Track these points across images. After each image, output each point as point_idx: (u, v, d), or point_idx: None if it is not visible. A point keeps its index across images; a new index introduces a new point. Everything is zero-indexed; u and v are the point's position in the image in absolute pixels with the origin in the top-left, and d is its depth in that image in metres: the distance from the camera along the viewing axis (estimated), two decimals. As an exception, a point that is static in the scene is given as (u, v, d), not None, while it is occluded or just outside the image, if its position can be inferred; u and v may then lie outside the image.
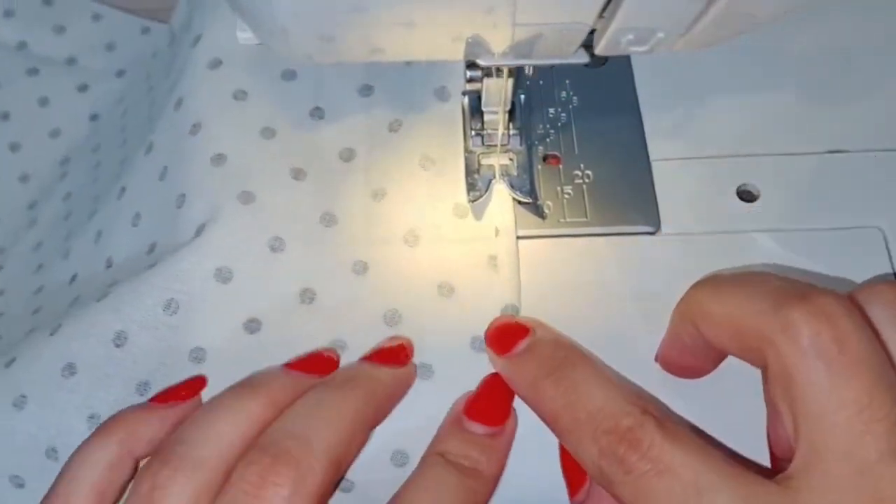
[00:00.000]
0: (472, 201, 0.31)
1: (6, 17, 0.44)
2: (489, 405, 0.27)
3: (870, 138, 0.33)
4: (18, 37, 0.44)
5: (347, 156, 0.32)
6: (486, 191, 0.31)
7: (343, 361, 0.28)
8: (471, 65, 0.30)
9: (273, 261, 0.30)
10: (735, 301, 0.23)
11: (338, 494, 0.27)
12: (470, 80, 0.30)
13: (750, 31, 0.24)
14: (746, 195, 0.32)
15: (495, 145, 0.32)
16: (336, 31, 0.24)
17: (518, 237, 0.31)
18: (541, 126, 0.33)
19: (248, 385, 0.26)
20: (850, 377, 0.20)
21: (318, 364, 0.27)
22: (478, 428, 0.26)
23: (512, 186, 0.31)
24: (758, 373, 0.23)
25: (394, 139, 0.32)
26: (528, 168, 0.32)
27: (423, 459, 0.26)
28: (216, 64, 0.33)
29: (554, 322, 0.28)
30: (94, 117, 0.43)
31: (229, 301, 0.29)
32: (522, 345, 0.27)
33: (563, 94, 0.34)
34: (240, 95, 0.33)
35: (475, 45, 0.24)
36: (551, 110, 0.34)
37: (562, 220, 0.31)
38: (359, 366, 0.28)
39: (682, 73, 0.34)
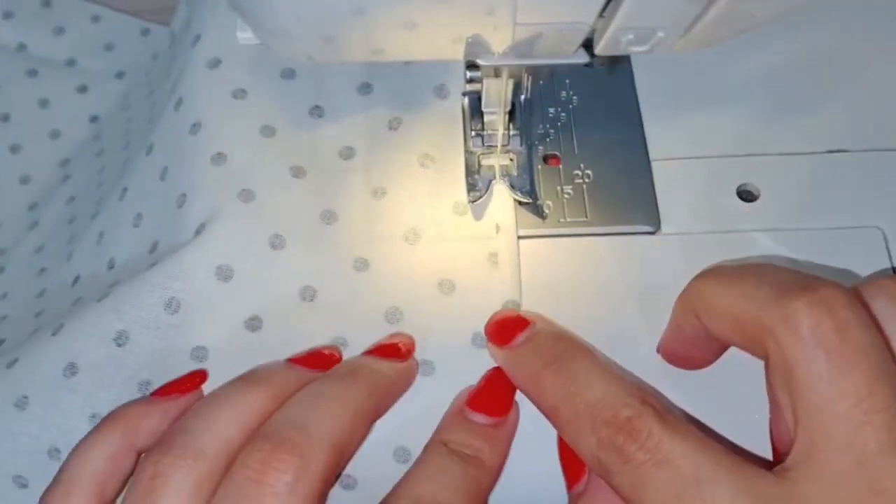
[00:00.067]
0: (473, 202, 0.31)
1: (5, 18, 0.44)
2: (492, 396, 0.27)
3: (870, 138, 0.33)
4: (18, 38, 0.44)
5: (347, 154, 0.32)
6: (487, 191, 0.31)
7: (344, 359, 0.28)
8: (471, 65, 0.30)
9: (274, 259, 0.30)
10: (737, 292, 0.23)
11: (340, 492, 0.27)
12: (470, 81, 0.30)
13: (750, 31, 0.24)
14: (746, 195, 0.32)
15: (495, 146, 0.32)
16: (337, 31, 0.24)
17: (518, 237, 0.31)
18: (541, 126, 0.33)
19: (249, 377, 0.26)
20: (850, 368, 0.20)
21: (320, 361, 0.27)
22: (480, 418, 0.27)
23: (512, 186, 0.31)
24: (760, 365, 0.23)
25: (393, 137, 0.32)
26: (528, 168, 0.32)
27: (427, 448, 0.26)
28: (216, 63, 0.33)
29: (554, 321, 0.28)
30: (93, 118, 0.43)
31: (230, 299, 0.29)
32: (522, 336, 0.27)
33: (563, 94, 0.34)
34: (239, 94, 0.33)
35: (475, 45, 0.24)
36: (551, 110, 0.34)
37: (562, 220, 0.31)
38: (361, 359, 0.28)
39: (682, 73, 0.34)
